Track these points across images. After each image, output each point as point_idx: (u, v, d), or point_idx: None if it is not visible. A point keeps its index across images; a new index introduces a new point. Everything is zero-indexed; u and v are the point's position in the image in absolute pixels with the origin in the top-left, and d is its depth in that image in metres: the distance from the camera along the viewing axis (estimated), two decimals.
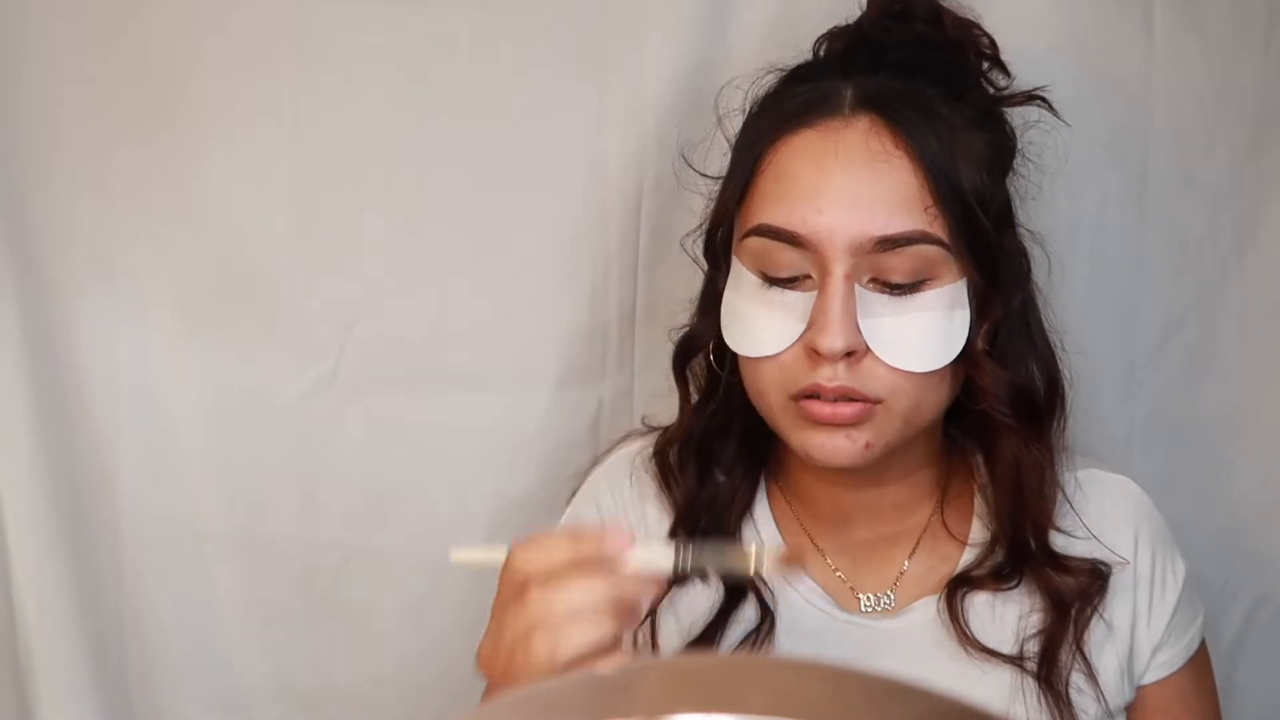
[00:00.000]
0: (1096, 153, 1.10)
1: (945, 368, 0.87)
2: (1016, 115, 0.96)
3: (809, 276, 0.86)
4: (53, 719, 1.12)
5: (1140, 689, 0.96)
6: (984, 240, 0.87)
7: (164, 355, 1.13)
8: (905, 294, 0.85)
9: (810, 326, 0.86)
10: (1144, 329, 1.14)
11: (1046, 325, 0.95)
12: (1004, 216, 0.91)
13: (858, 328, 0.85)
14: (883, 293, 0.85)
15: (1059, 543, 0.93)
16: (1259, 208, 1.12)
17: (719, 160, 0.99)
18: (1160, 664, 0.95)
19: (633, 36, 1.09)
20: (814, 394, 0.86)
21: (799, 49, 0.97)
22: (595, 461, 1.05)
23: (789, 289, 0.87)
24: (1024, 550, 0.93)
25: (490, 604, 1.16)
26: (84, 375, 1.12)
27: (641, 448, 1.02)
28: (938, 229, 0.85)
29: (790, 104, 0.90)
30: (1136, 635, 0.94)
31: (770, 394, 0.89)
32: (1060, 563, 0.92)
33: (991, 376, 0.89)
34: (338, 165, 1.10)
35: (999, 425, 0.91)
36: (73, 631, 1.12)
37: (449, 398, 1.15)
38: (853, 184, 0.85)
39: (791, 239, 0.86)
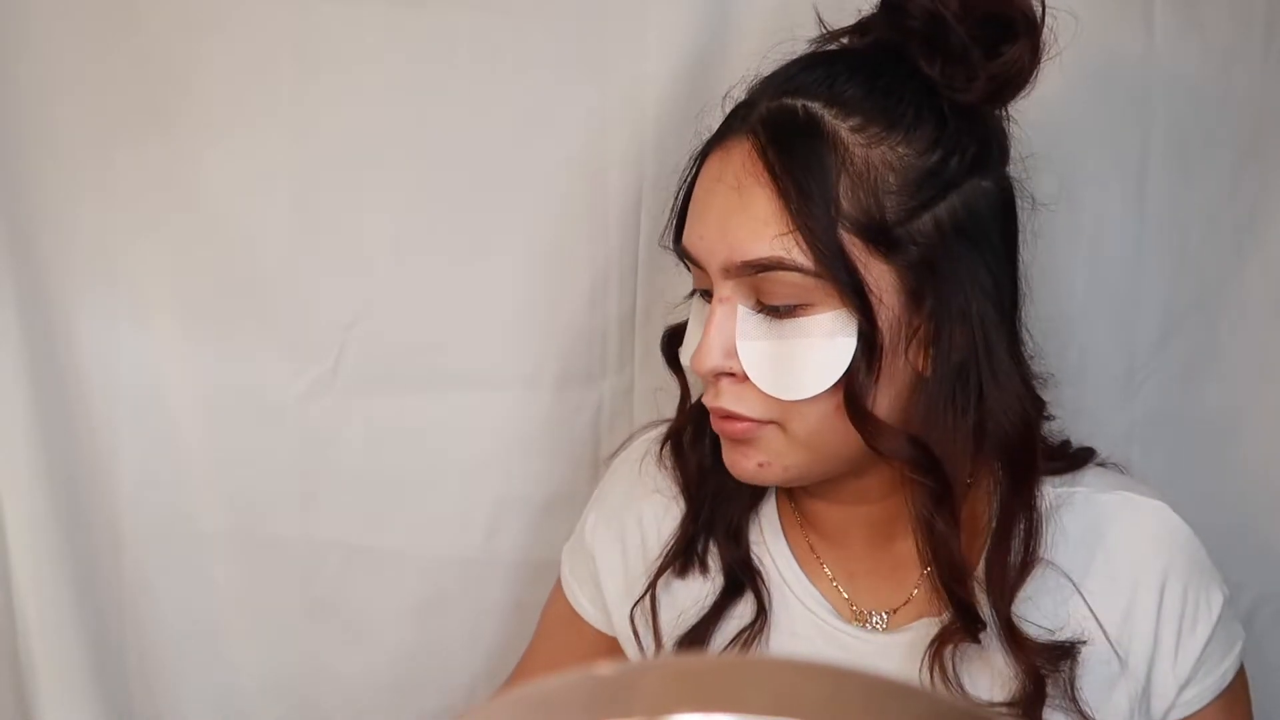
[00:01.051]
0: (1096, 153, 1.10)
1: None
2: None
3: None
4: (53, 719, 1.12)
5: None
6: (855, 270, 0.82)
7: (164, 355, 1.13)
8: (781, 318, 0.84)
9: None
10: (1144, 329, 1.14)
11: (1027, 351, 0.90)
12: (940, 232, 0.83)
13: (734, 350, 0.85)
14: (765, 316, 0.85)
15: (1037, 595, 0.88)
16: (1259, 208, 1.12)
17: None
18: (1188, 700, 0.91)
19: (633, 36, 1.09)
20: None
21: (796, 49, 0.97)
22: (617, 451, 1.05)
23: (707, 302, 0.89)
24: (969, 615, 0.87)
25: (489, 608, 1.17)
26: (84, 375, 1.12)
27: (659, 434, 1.02)
28: (798, 256, 0.82)
29: (723, 120, 0.91)
30: (1156, 674, 0.90)
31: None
32: (1017, 641, 0.87)
33: (875, 412, 0.84)
34: (338, 165, 1.10)
35: (902, 476, 0.88)
36: (73, 631, 1.12)
37: (449, 398, 1.15)
38: (724, 209, 0.85)
39: (690, 259, 0.88)
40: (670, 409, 1.01)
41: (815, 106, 0.84)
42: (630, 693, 0.36)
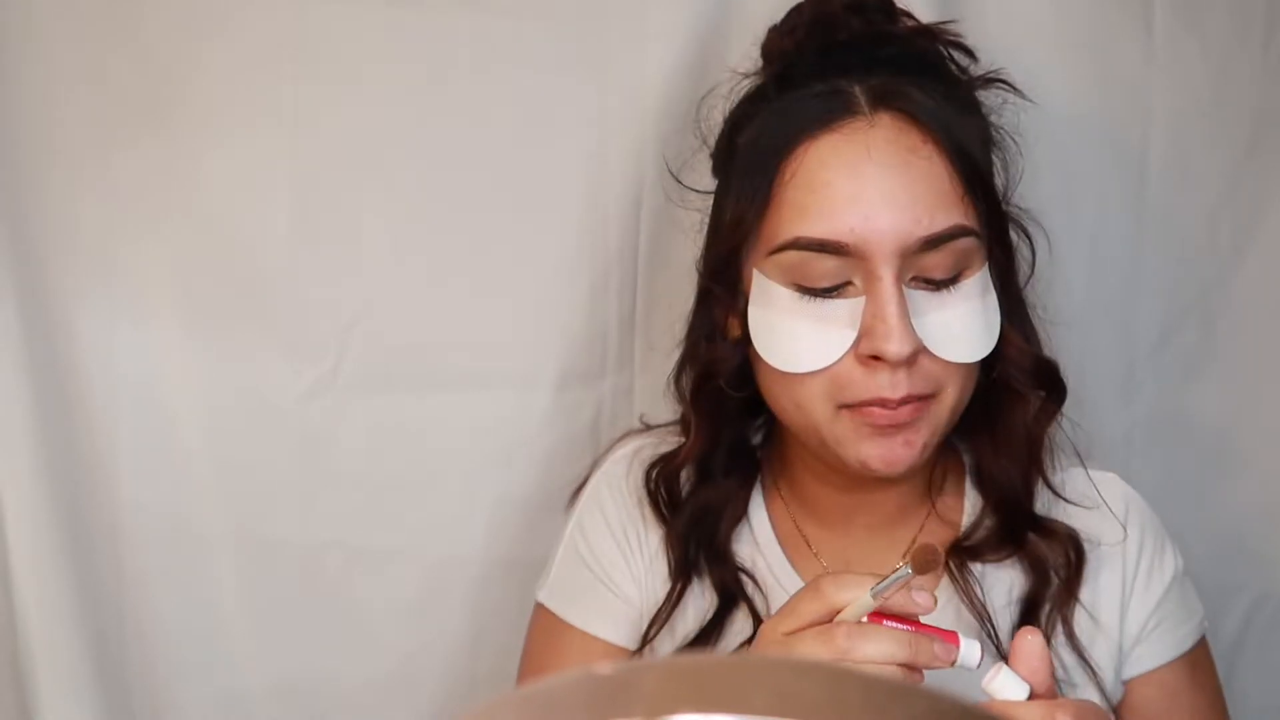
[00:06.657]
0: (1096, 153, 1.11)
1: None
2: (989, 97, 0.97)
3: (851, 284, 0.85)
4: (53, 719, 1.12)
5: (1127, 684, 0.95)
6: (1002, 221, 0.89)
7: (164, 355, 1.12)
8: (946, 288, 0.86)
9: (865, 334, 0.84)
10: (1144, 329, 1.15)
11: (1036, 312, 0.96)
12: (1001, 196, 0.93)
13: (912, 328, 0.84)
14: (926, 290, 0.85)
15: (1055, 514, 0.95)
16: (1259, 208, 1.12)
17: (705, 171, 0.99)
18: (1139, 657, 0.94)
19: (633, 36, 1.09)
20: (877, 404, 0.85)
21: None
22: (595, 463, 1.05)
23: (830, 299, 0.85)
24: (1017, 515, 0.93)
25: (489, 608, 1.17)
26: (84, 375, 1.11)
27: (639, 447, 1.02)
28: (970, 219, 0.86)
29: (799, 109, 0.88)
30: (1125, 629, 0.94)
31: (817, 408, 0.87)
32: (1044, 526, 0.93)
33: (1017, 348, 0.90)
34: (338, 165, 1.10)
35: (1013, 398, 0.92)
36: (73, 631, 1.12)
37: (449, 398, 1.15)
38: (891, 186, 0.84)
39: (837, 249, 0.84)
40: (669, 410, 1.01)
41: (921, 85, 0.88)
42: (630, 693, 0.36)
